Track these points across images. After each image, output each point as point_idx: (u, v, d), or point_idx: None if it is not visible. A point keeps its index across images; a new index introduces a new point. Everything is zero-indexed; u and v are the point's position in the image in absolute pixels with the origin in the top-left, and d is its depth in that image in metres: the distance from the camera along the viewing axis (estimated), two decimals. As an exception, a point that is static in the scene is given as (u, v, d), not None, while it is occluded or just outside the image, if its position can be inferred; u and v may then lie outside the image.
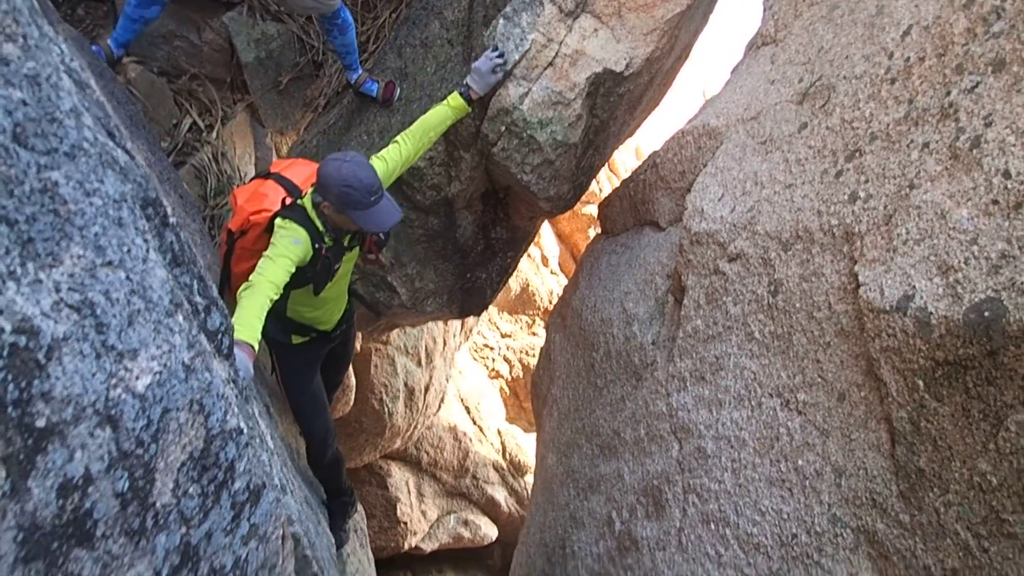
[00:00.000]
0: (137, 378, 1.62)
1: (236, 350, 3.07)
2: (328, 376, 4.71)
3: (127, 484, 1.62)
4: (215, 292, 2.56)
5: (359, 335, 8.18)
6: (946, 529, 2.85)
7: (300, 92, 7.75)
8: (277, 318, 4.07)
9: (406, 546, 10.75)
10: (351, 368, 8.31)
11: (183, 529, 1.86)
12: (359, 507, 5.43)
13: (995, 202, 2.83)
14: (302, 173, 4.15)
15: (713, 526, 3.88)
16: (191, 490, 1.86)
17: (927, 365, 2.90)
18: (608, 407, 5.13)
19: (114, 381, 1.56)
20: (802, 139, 3.99)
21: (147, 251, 1.77)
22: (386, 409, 8.90)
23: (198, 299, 2.35)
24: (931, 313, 2.86)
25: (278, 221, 3.74)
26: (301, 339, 4.27)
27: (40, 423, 1.39)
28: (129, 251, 1.69)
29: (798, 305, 3.66)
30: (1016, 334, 2.59)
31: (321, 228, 3.80)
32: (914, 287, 2.98)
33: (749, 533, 3.67)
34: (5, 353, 1.30)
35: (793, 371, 3.65)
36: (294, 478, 4.24)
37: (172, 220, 2.25)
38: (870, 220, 3.36)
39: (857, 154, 3.61)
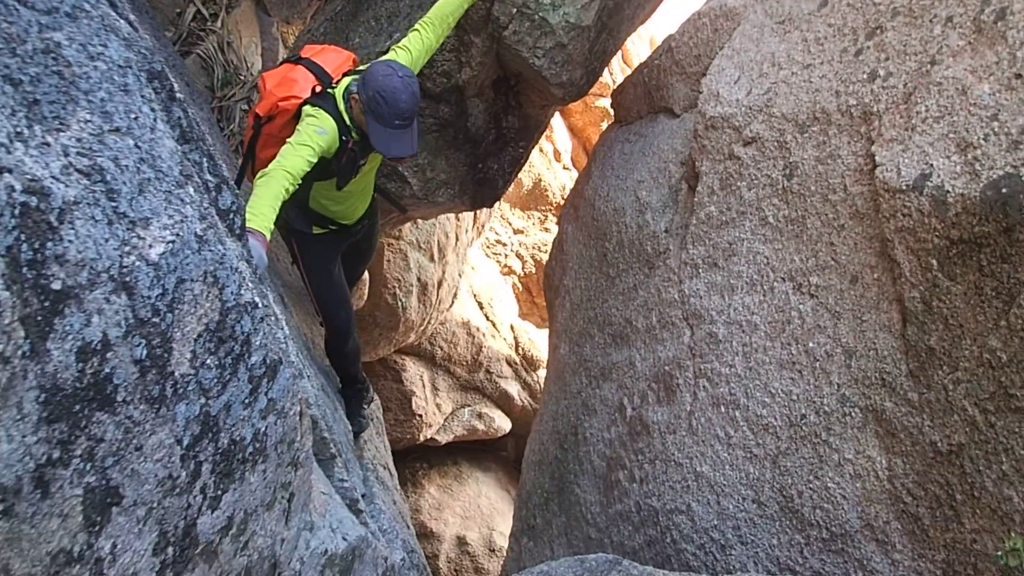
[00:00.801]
0: (151, 246, 1.62)
1: (248, 237, 3.08)
2: (348, 269, 4.70)
3: (145, 352, 1.64)
4: (225, 171, 2.54)
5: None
6: (954, 406, 2.88)
7: (306, -21, 7.56)
8: (299, 208, 4.05)
9: (421, 438, 11.02)
10: (364, 262, 8.36)
11: (202, 400, 1.90)
12: (375, 397, 5.51)
13: (1018, 76, 2.76)
14: (334, 60, 4.03)
15: (723, 409, 3.95)
16: (208, 361, 1.89)
17: (942, 244, 2.88)
18: (620, 296, 5.15)
19: (127, 248, 1.57)
20: (821, 17, 3.87)
21: (155, 120, 1.76)
22: (400, 303, 8.97)
23: (208, 177, 2.34)
24: (948, 191, 2.82)
25: (307, 108, 3.67)
26: (321, 230, 4.26)
27: (56, 285, 1.40)
28: (136, 119, 1.67)
29: (813, 188, 3.62)
30: (1034, 209, 2.56)
31: (348, 121, 3.74)
32: (931, 165, 2.93)
33: (758, 415, 3.74)
34: (17, 212, 1.30)
35: (806, 255, 3.63)
36: (310, 365, 4.31)
37: (179, 95, 2.22)
38: (889, 99, 3.29)
39: (878, 31, 3.50)
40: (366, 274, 8.43)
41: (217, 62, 6.67)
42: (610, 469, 4.97)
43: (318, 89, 3.80)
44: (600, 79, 5.94)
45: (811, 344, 3.54)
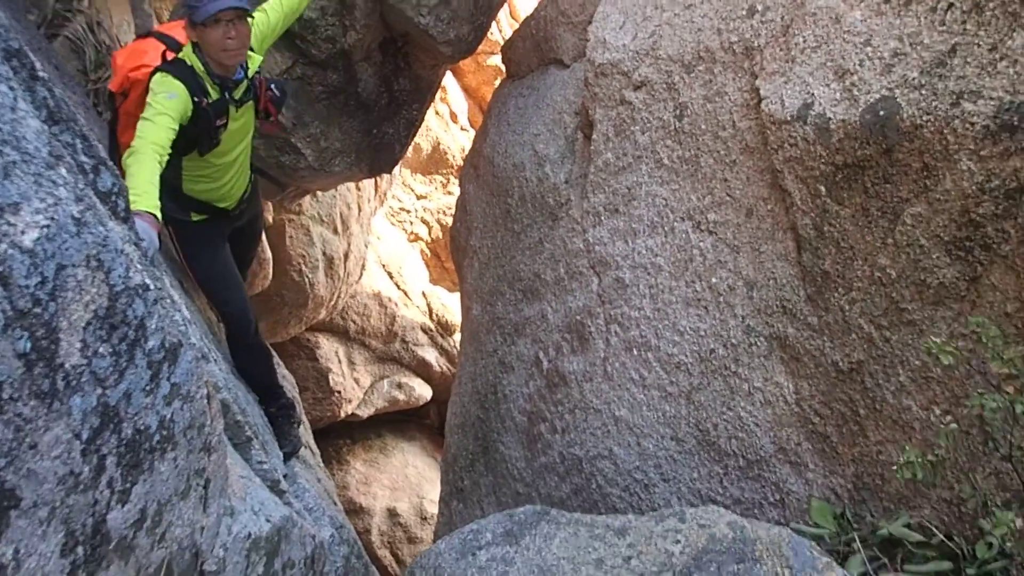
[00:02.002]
0: (23, 232, 1.53)
1: (137, 220, 2.93)
2: (237, 256, 4.50)
3: (29, 344, 1.56)
4: (103, 152, 2.42)
5: (269, 206, 7.97)
6: (851, 325, 3.00)
7: (174, -49, 7.20)
8: (173, 195, 3.85)
9: (342, 414, 10.91)
10: (265, 241, 8.14)
11: (99, 390, 1.82)
12: (303, 418, 5.24)
13: (886, 0, 2.84)
14: (185, 32, 3.87)
15: (636, 352, 4.02)
16: (101, 349, 1.81)
17: (828, 170, 2.97)
18: (527, 251, 5.17)
19: (-3, 237, 1.48)
20: (699, -44, 3.91)
21: (14, 99, 1.65)
22: (306, 280, 8.82)
23: (84, 159, 2.22)
24: (829, 119, 2.91)
25: (155, 77, 3.48)
26: (200, 217, 4.08)
27: (-81, 281, 1.31)
28: (-8, 99, 1.57)
29: (703, 127, 3.68)
30: (909, 129, 2.65)
31: (204, 75, 3.56)
32: (812, 94, 3.01)
33: (670, 354, 3.82)
34: None
35: (702, 193, 3.70)
36: (217, 349, 4.19)
37: (42, 74, 2.10)
38: (768, 32, 3.36)
39: (754, -34, 3.56)
40: (268, 253, 8.24)
41: (88, 43, 6.32)
42: (532, 423, 5.02)
43: (169, 56, 3.63)
44: (490, 36, 5.90)
45: (714, 280, 3.63)
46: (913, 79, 2.66)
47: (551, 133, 4.99)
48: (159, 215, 3.09)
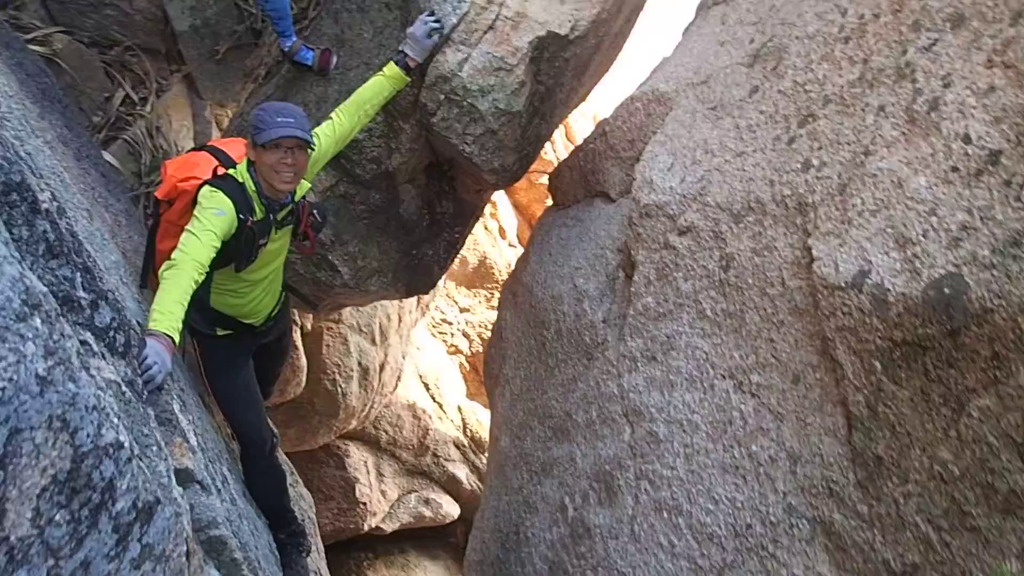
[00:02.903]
0: (-29, 398, 1.38)
1: (151, 342, 2.81)
2: (261, 373, 4.38)
3: (-37, 522, 1.39)
4: (105, 284, 2.31)
5: (310, 316, 7.91)
6: (906, 521, 2.70)
7: (239, 62, 7.39)
8: (199, 307, 3.78)
9: (366, 527, 10.55)
10: (301, 348, 8.05)
11: (50, 561, 1.62)
12: (312, 546, 5.01)
13: (955, 169, 2.66)
14: (238, 148, 3.87)
15: (666, 514, 3.73)
16: (57, 517, 1.63)
17: (884, 346, 2.73)
18: (560, 387, 4.95)
19: (-63, 404, 1.32)
20: (753, 104, 3.80)
21: (-10, 246, 1.53)
22: (339, 390, 8.66)
23: (81, 294, 2.10)
24: (888, 290, 2.69)
25: (203, 190, 3.48)
26: (226, 332, 3.98)
27: None
28: (-40, 248, 1.44)
29: (750, 281, 3.48)
30: (978, 312, 2.42)
31: (253, 193, 3.54)
32: (870, 262, 2.81)
33: (702, 522, 3.52)
34: None
35: (746, 351, 3.48)
36: (228, 473, 3.99)
37: (46, 206, 1.99)
38: (824, 189, 3.19)
39: (810, 119, 3.42)
40: (303, 360, 8.13)
41: (145, 147, 6.44)
42: (553, 574, 4.69)
43: (220, 171, 3.62)
44: (543, 155, 5.85)
45: (754, 447, 3.36)
46: (984, 257, 2.45)
47: (592, 268, 4.83)
48: (177, 338, 2.98)
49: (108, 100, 6.76)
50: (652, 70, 5.10)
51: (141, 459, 2.08)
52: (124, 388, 2.17)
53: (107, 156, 5.97)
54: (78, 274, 2.07)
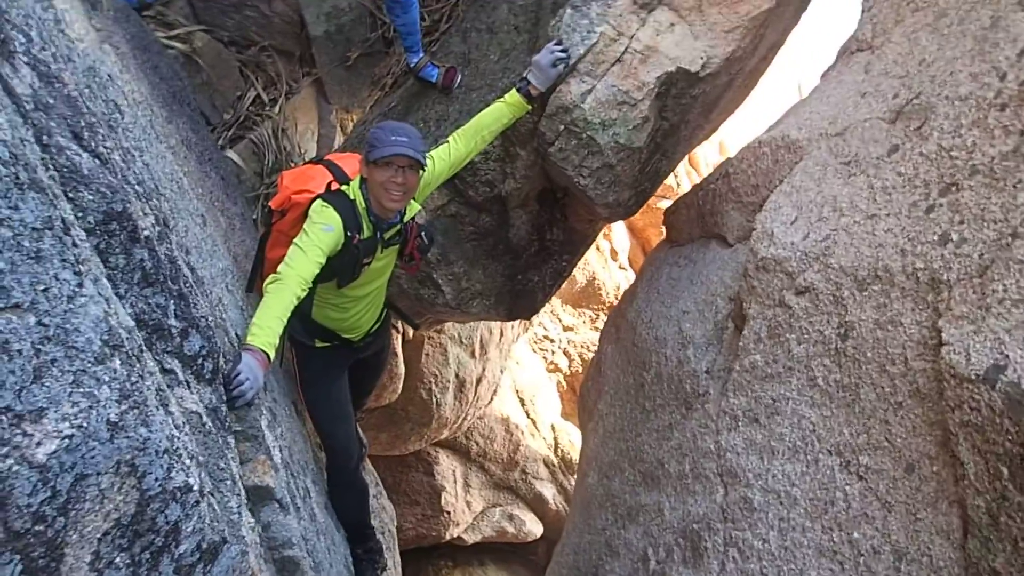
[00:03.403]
0: (39, 444, 1.36)
1: (247, 357, 2.83)
2: (356, 385, 4.41)
3: (19, 568, 1.36)
4: (199, 310, 2.30)
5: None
6: (1023, 649, 2.44)
7: (368, 69, 7.51)
8: (300, 318, 3.82)
9: (447, 536, 10.57)
10: (400, 355, 8.11)
11: (106, 603, 1.61)
12: (388, 564, 5.00)
13: (1117, 268, 2.38)
14: (354, 164, 3.90)
15: (753, 588, 3.52)
16: (117, 560, 1.61)
17: (1015, 451, 2.47)
18: (655, 433, 4.77)
19: (4, 451, 1.30)
20: (891, 164, 3.54)
21: (78, 286, 1.51)
22: (434, 399, 8.68)
23: (173, 322, 2.09)
24: (1025, 391, 2.43)
25: (315, 204, 3.52)
26: (325, 344, 4.01)
27: None
28: (47, 290, 1.42)
29: (870, 355, 3.24)
30: None
31: (363, 211, 3.56)
32: (1007, 356, 2.54)
33: (792, 604, 3.30)
34: None
35: (857, 429, 3.24)
36: (312, 485, 4.01)
37: (146, 234, 2.00)
38: (962, 268, 2.92)
39: (953, 188, 3.16)
40: (401, 367, 8.18)
41: (269, 148, 6.59)
42: (628, 625, 4.53)
43: (334, 187, 3.63)
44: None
45: (856, 534, 3.12)
46: None
47: (700, 314, 4.64)
48: (272, 353, 3.01)
49: (239, 99, 6.97)
50: (784, 113, 4.86)
51: (213, 494, 2.06)
52: (205, 419, 2.16)
53: (231, 154, 6.14)
54: (172, 302, 2.06)
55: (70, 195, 1.67)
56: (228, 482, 2.19)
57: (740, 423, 3.88)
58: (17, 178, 1.38)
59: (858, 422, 3.24)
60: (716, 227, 5.00)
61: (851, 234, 3.52)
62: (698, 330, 4.59)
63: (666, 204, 12.24)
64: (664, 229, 5.99)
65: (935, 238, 3.10)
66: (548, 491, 11.70)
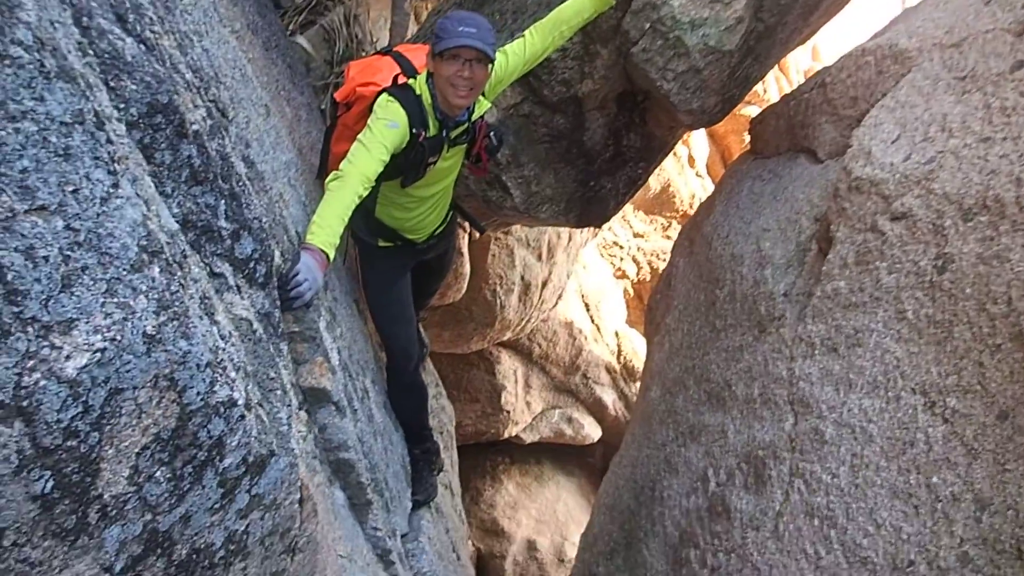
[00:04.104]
0: (67, 358, 1.26)
1: (305, 256, 2.74)
2: (419, 285, 4.32)
3: (51, 484, 1.29)
4: (252, 211, 2.18)
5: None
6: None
7: (446, -48, 7.17)
8: (364, 216, 3.72)
9: (506, 434, 10.68)
10: (466, 255, 8.02)
11: (147, 516, 1.54)
12: (444, 464, 4.98)
13: None
14: (423, 58, 3.70)
15: (817, 522, 3.39)
16: (157, 474, 1.54)
17: None
18: (723, 353, 4.60)
19: (30, 364, 1.21)
20: (1013, 82, 3.20)
21: (112, 186, 1.38)
22: (498, 301, 8.60)
23: (223, 223, 1.97)
24: None
25: (380, 98, 3.36)
26: (387, 243, 3.90)
27: None
28: (76, 191, 1.30)
29: (969, 291, 2.99)
30: None
31: (429, 107, 3.38)
32: None
33: (857, 543, 3.16)
34: None
35: (947, 369, 3.02)
36: (371, 385, 3.98)
37: (195, 128, 1.86)
38: (1086, 203, 2.64)
39: (1084, 112, 2.83)
40: (467, 267, 8.10)
41: (340, 35, 6.38)
42: (682, 543, 4.48)
43: (400, 80, 3.45)
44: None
45: (935, 479, 2.94)
46: None
47: (782, 233, 4.38)
48: (332, 253, 2.91)
49: (313, -17, 6.73)
50: (892, 20, 4.45)
51: (262, 405, 1.98)
52: (256, 325, 2.06)
53: (301, 40, 5.96)
54: (223, 201, 1.94)
55: (111, 84, 1.53)
56: (278, 392, 2.11)
57: (817, 351, 3.69)
58: (42, 66, 1.24)
59: (948, 362, 3.02)
60: (806, 140, 4.68)
61: (960, 158, 3.22)
62: (778, 250, 4.35)
63: (751, 111, 11.69)
64: (748, 139, 5.66)
65: (1057, 167, 2.80)
66: (608, 397, 11.69)
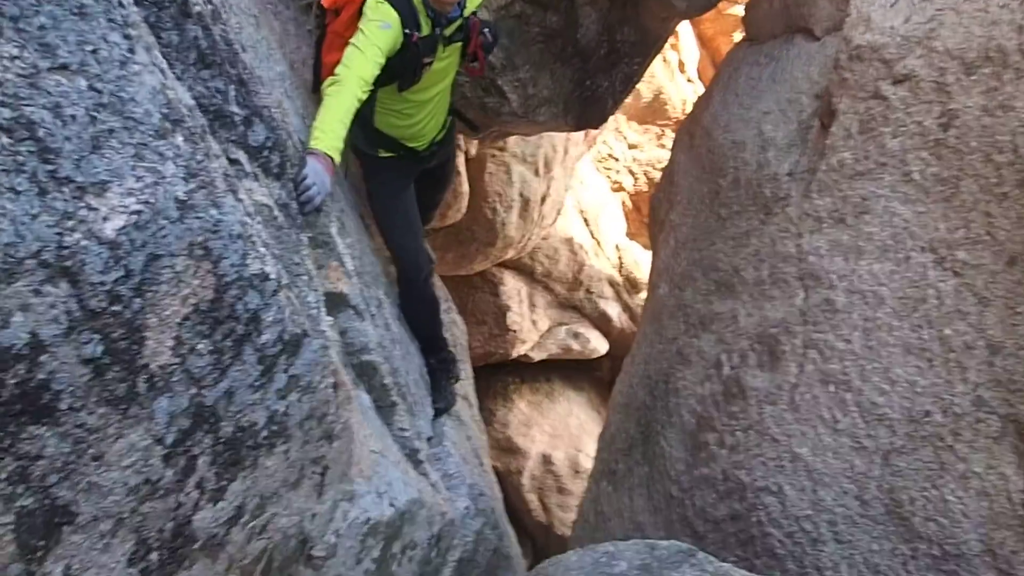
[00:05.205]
0: (105, 219, 1.28)
1: (311, 161, 2.73)
2: (423, 197, 4.29)
3: (101, 348, 1.32)
4: (262, 99, 2.18)
5: (475, 142, 7.76)
6: None
7: None
8: (363, 127, 3.68)
9: (515, 354, 10.78)
10: (464, 174, 7.98)
11: (192, 390, 1.59)
12: (462, 373, 5.03)
13: None
14: None
15: (832, 388, 3.46)
16: (200, 347, 1.57)
17: None
18: (730, 241, 4.62)
19: (69, 224, 1.23)
20: (1010, -69, 3.15)
21: (129, 51, 1.38)
22: (499, 219, 8.59)
23: (234, 109, 1.98)
24: None
25: (369, 1, 3.29)
26: (388, 154, 3.88)
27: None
28: (95, 51, 1.30)
29: (974, 144, 3.01)
30: None
31: (419, 7, 3.33)
32: None
33: (873, 402, 3.24)
34: None
35: (955, 223, 3.05)
36: (384, 297, 4.01)
37: (198, 9, 1.85)
38: (1090, 42, 2.63)
39: (1085, -48, 2.80)
40: (465, 186, 8.08)
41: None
42: (699, 428, 4.57)
43: None
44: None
45: (947, 331, 3.00)
46: None
47: (783, 114, 4.37)
48: (337, 157, 2.90)
49: None
50: None
51: (291, 289, 2.01)
52: (276, 212, 2.08)
53: (282, -40, 5.82)
54: (232, 87, 1.94)
55: (110, -40, 1.52)
56: (304, 277, 2.14)
57: (824, 224, 3.71)
58: (50, -78, 1.23)
59: (956, 216, 3.05)
60: (802, 19, 4.62)
61: (960, 13, 3.20)
62: (780, 131, 4.34)
63: (739, 10, 11.50)
64: (743, 27, 5.59)
65: (1059, 10, 2.78)
66: (613, 310, 11.76)
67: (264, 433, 1.89)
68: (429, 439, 4.16)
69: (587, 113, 5.38)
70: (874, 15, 3.56)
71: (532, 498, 11.11)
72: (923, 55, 3.26)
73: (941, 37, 3.20)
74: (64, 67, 1.23)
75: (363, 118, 3.51)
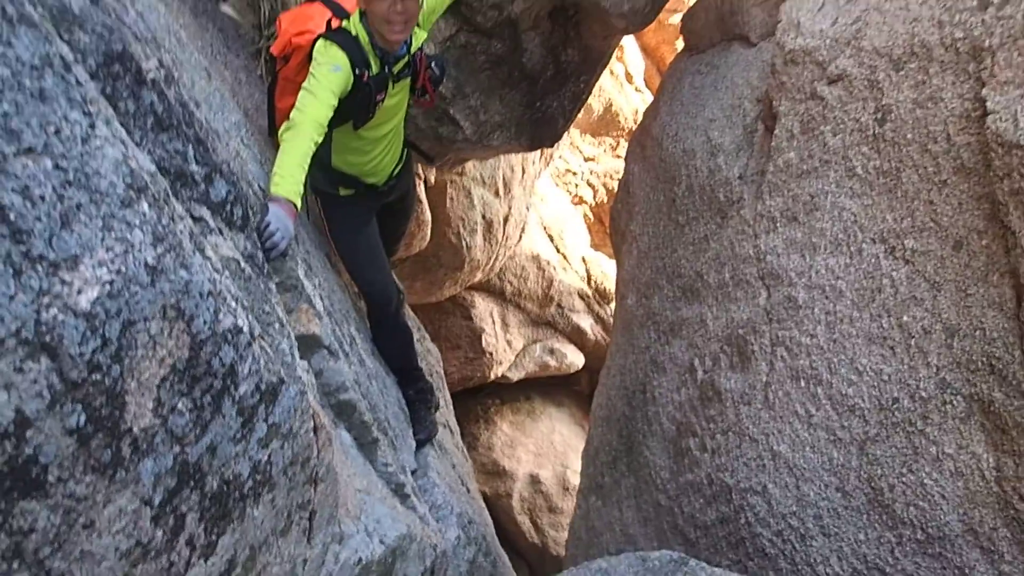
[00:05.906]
0: (79, 292, 1.33)
1: (273, 207, 2.77)
2: (386, 230, 4.35)
3: (83, 418, 1.36)
4: (220, 155, 2.23)
5: (433, 170, 7.83)
6: (1080, 405, 2.44)
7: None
8: (321, 167, 3.74)
9: (492, 376, 10.83)
10: (426, 202, 8.04)
11: (176, 448, 1.62)
12: (440, 402, 5.06)
13: None
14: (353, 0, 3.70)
15: (803, 383, 3.55)
16: (180, 405, 1.61)
17: (1071, 212, 2.40)
18: (690, 246, 4.73)
19: (46, 300, 1.27)
20: (925, -70, 3.29)
21: (90, 127, 1.43)
22: (464, 243, 8.66)
23: (194, 168, 2.03)
24: (1082, 149, 2.33)
25: (318, 45, 3.36)
26: (348, 191, 3.94)
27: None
28: (58, 131, 1.35)
29: (910, 136, 3.12)
30: None
31: (367, 46, 3.40)
32: (1061, 115, 2.43)
33: (844, 394, 3.33)
34: None
35: (901, 214, 3.16)
36: (356, 333, 4.04)
37: (152, 76, 1.90)
38: (1004, 32, 2.76)
39: (995, -54, 2.94)
40: (428, 214, 8.13)
41: (265, -1, 6.29)
42: (680, 435, 4.64)
43: (334, 24, 3.47)
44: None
45: (905, 318, 3.10)
46: None
47: (728, 120, 4.49)
48: (299, 202, 2.95)
49: (228, -51, 6.60)
50: None
51: (264, 338, 2.06)
52: (243, 264, 2.13)
53: (226, 8, 5.87)
54: (190, 146, 1.99)
55: (64, 36, 1.57)
56: (276, 325, 2.18)
57: (778, 224, 3.82)
58: (4, 12, 1.28)
59: (901, 206, 3.16)
60: (737, 27, 4.76)
61: (883, 13, 3.33)
62: (727, 136, 4.45)
63: (678, 19, 11.70)
64: (682, 38, 5.72)
65: (974, 4, 2.92)
66: (585, 322, 11.86)
67: (249, 484, 1.93)
68: (414, 471, 4.19)
69: (540, 133, 5.47)
70: (803, 20, 3.68)
71: (523, 520, 11.12)
72: (853, 55, 3.38)
73: (868, 36, 3.32)
74: (30, 150, 1.28)
75: (320, 159, 3.56)
